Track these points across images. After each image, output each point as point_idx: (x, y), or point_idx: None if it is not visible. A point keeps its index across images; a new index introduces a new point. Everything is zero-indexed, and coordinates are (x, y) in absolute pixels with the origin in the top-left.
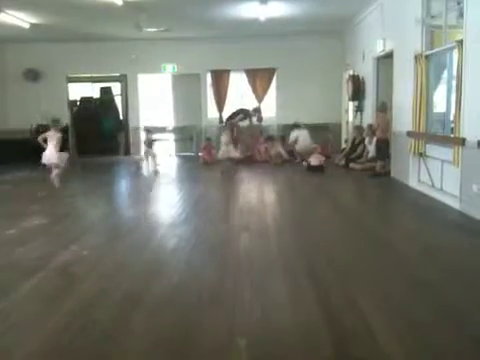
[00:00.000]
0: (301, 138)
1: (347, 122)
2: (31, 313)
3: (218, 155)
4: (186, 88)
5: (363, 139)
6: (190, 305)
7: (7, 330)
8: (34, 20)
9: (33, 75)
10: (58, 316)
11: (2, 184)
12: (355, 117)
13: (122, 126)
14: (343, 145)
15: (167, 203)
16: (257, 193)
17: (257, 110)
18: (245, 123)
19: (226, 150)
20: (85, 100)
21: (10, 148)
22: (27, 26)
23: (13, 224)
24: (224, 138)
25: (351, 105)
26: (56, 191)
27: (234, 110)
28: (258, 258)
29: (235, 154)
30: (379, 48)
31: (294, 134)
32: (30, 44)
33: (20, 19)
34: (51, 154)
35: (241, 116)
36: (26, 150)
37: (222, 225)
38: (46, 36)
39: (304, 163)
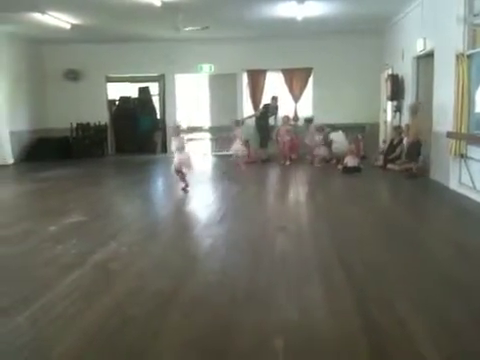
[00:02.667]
0: (336, 139)
1: (385, 122)
2: (70, 308)
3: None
4: (222, 88)
5: (402, 139)
6: (225, 304)
7: (48, 324)
8: (75, 21)
9: (73, 75)
10: (96, 311)
11: (42, 182)
12: (394, 117)
13: (159, 125)
14: (381, 145)
15: (202, 202)
16: (292, 193)
17: (275, 98)
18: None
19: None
20: (124, 100)
21: (50, 146)
22: (68, 27)
23: (54, 221)
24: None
25: (390, 105)
26: (93, 188)
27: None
28: (293, 257)
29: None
30: (419, 47)
31: (329, 136)
32: (71, 45)
33: (62, 20)
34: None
35: (263, 110)
36: (65, 148)
37: (257, 224)
38: (86, 37)
39: (339, 166)
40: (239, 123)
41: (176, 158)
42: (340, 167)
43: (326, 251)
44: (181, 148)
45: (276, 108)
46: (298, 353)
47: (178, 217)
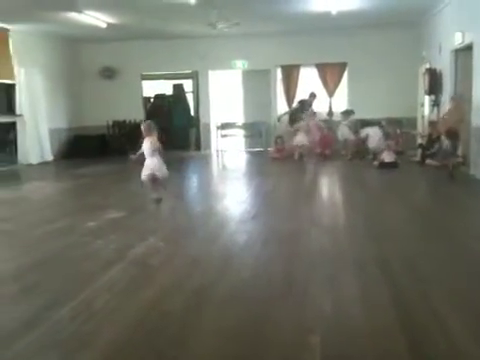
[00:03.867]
0: (372, 135)
1: (423, 117)
2: (110, 302)
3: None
4: (256, 84)
5: (440, 134)
6: (261, 300)
7: (89, 318)
8: (111, 20)
9: (109, 73)
10: (135, 306)
11: (80, 178)
12: (432, 111)
13: (193, 122)
14: (419, 140)
15: (237, 198)
16: (327, 189)
17: (313, 95)
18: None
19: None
20: (158, 97)
21: (88, 144)
22: (104, 26)
23: (93, 216)
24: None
25: (427, 99)
26: (129, 185)
27: (295, 105)
28: (329, 254)
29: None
30: (457, 40)
31: (364, 131)
32: (106, 43)
33: (98, 19)
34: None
35: (299, 106)
36: (102, 145)
37: (292, 221)
38: (122, 35)
39: (375, 162)
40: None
41: (146, 163)
42: (376, 163)
43: (362, 246)
44: (153, 151)
45: (310, 105)
46: (334, 348)
47: (213, 213)
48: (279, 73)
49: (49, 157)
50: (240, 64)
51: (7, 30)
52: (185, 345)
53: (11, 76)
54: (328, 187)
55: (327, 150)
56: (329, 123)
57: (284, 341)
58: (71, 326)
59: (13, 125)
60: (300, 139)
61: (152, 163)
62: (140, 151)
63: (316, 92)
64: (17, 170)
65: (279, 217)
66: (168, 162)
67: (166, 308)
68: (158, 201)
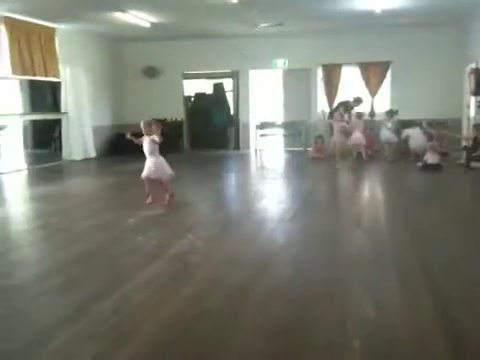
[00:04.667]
0: (413, 136)
1: (469, 118)
2: (150, 298)
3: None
4: (296, 83)
5: None
6: (300, 300)
7: (129, 313)
8: (154, 19)
9: (151, 72)
10: (174, 303)
11: (122, 175)
12: (478, 113)
13: (232, 121)
14: (464, 143)
15: (275, 198)
16: (368, 191)
17: (358, 100)
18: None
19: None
20: (199, 96)
21: (129, 141)
22: (148, 25)
23: (132, 213)
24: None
25: (473, 100)
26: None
27: (336, 104)
28: (370, 256)
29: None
30: None
31: (405, 132)
32: (149, 42)
33: (142, 19)
34: None
35: (341, 109)
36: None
37: (332, 222)
38: (164, 34)
39: (418, 163)
40: (360, 115)
41: (147, 165)
42: (419, 164)
43: (404, 250)
44: (152, 151)
45: (352, 108)
46: (375, 352)
47: (252, 212)
48: (320, 72)
49: (92, 154)
50: (281, 63)
51: (53, 29)
52: (224, 343)
53: (57, 74)
54: (369, 188)
55: (369, 151)
56: (371, 123)
57: (324, 343)
58: (112, 320)
59: (58, 122)
60: (356, 138)
61: (150, 163)
62: (145, 152)
63: (362, 98)
64: (62, 166)
65: (318, 218)
66: (208, 160)
67: (205, 305)
68: (169, 201)
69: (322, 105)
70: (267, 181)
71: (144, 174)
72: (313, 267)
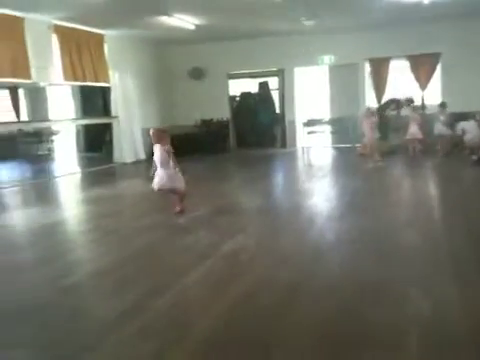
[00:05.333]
0: (468, 129)
1: None
2: (203, 295)
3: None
4: (343, 79)
5: None
6: (352, 298)
7: (184, 310)
8: (199, 21)
9: (197, 73)
10: (227, 300)
11: None
12: None
13: (278, 120)
14: None
15: (324, 196)
16: (420, 186)
17: (410, 100)
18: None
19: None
20: (244, 95)
21: (177, 142)
22: (192, 27)
23: (182, 213)
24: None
25: None
26: (217, 182)
27: (385, 100)
28: (424, 253)
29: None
30: None
31: (460, 125)
32: (194, 44)
33: (187, 22)
34: None
35: (393, 106)
36: (191, 144)
37: (382, 219)
38: (208, 36)
39: (473, 157)
40: (417, 108)
41: (158, 176)
42: (475, 158)
43: (460, 247)
44: (165, 162)
45: (401, 107)
46: (430, 351)
47: (300, 211)
48: (367, 67)
49: (142, 156)
50: (327, 59)
51: (102, 36)
52: (277, 339)
53: (107, 79)
54: (422, 184)
55: (420, 146)
56: (422, 117)
57: (379, 340)
58: (167, 317)
59: (109, 126)
60: (413, 132)
61: (162, 175)
62: (156, 161)
63: (414, 98)
64: (113, 169)
65: (368, 215)
66: (255, 160)
67: (258, 303)
68: (179, 214)
69: (370, 100)
70: (315, 179)
71: (156, 186)
72: (365, 265)
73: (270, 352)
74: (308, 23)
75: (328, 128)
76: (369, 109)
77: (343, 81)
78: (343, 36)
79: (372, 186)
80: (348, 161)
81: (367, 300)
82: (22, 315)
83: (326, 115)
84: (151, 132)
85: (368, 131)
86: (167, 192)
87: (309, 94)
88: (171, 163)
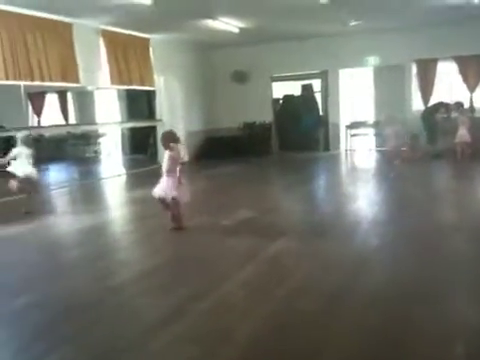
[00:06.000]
0: None
1: None
2: (246, 299)
3: None
4: (389, 80)
5: None
6: (398, 304)
7: (226, 313)
8: (243, 25)
9: (240, 76)
10: (270, 304)
11: (214, 178)
12: None
13: (322, 122)
14: None
15: (369, 200)
16: (469, 191)
17: (459, 104)
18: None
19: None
20: (287, 98)
21: (220, 145)
22: (237, 31)
23: (226, 216)
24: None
25: None
26: (260, 185)
27: (433, 103)
28: (473, 259)
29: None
30: None
31: None
32: (237, 47)
33: (231, 25)
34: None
35: (442, 110)
36: (234, 147)
37: (428, 224)
38: (252, 39)
39: None
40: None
41: (161, 184)
42: None
43: None
44: (171, 170)
45: (451, 111)
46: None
47: (344, 215)
48: (414, 68)
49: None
50: (372, 61)
51: (148, 40)
52: (320, 345)
53: (152, 83)
54: (468, 188)
55: (469, 149)
56: (471, 120)
57: (427, 351)
58: (210, 321)
59: (153, 129)
60: (461, 135)
61: (165, 184)
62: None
63: (463, 103)
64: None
65: (415, 220)
66: (297, 163)
67: (301, 307)
68: (174, 229)
69: (417, 103)
70: (359, 183)
71: (157, 194)
72: (410, 270)
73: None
74: (353, 24)
75: (372, 131)
76: (390, 116)
77: (389, 83)
78: (389, 37)
79: (418, 190)
80: (393, 165)
81: (412, 305)
82: (68, 313)
83: (371, 118)
84: (162, 134)
85: (391, 138)
86: (163, 201)
87: (353, 96)
88: (174, 173)
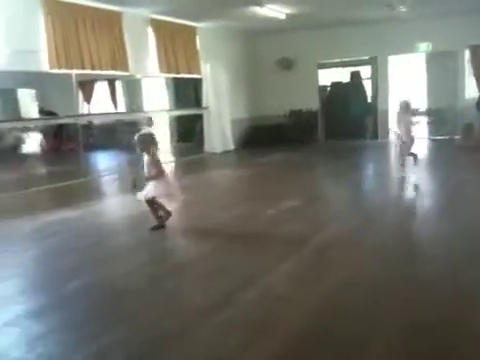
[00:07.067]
0: None
1: None
2: (292, 289)
3: None
4: (441, 67)
5: None
6: (452, 304)
7: (272, 303)
8: (290, 11)
9: (286, 63)
10: (315, 296)
11: (259, 166)
12: None
13: (370, 110)
14: None
15: (420, 190)
16: None
17: None
18: None
19: None
20: (335, 85)
21: (265, 133)
22: (283, 17)
23: (272, 204)
24: None
25: None
26: (306, 174)
27: None
28: None
29: None
30: None
31: None
32: (283, 34)
33: (278, 11)
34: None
35: None
36: (279, 135)
37: None
38: (299, 25)
39: None
40: None
41: (151, 185)
42: None
43: None
44: (153, 173)
45: None
46: None
47: (393, 206)
48: (467, 54)
49: (231, 146)
50: (424, 46)
51: (195, 28)
52: (366, 340)
53: (199, 71)
54: None
55: None
56: None
57: (477, 349)
58: (256, 310)
59: (200, 117)
60: None
61: (151, 185)
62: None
63: None
64: (204, 159)
65: (469, 212)
66: (344, 151)
67: (346, 300)
68: (157, 228)
69: (471, 90)
70: (409, 172)
71: (147, 195)
72: (465, 265)
73: (356, 354)
74: (404, 9)
75: (424, 119)
76: (405, 102)
77: (441, 69)
78: (441, 22)
79: (472, 180)
80: (446, 154)
81: (465, 303)
82: (119, 297)
83: (422, 105)
84: (135, 138)
85: (405, 128)
86: (156, 199)
87: (404, 83)
88: (160, 172)
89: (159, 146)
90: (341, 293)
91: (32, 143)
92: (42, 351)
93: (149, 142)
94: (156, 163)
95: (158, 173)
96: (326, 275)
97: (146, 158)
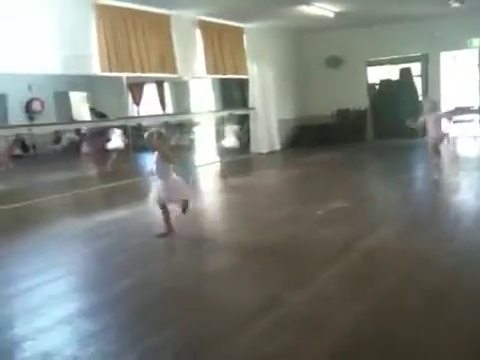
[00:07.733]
0: None
1: None
2: (341, 292)
3: None
4: None
5: None
6: None
7: (321, 305)
8: (338, 9)
9: (334, 62)
10: (365, 298)
11: (306, 167)
12: None
13: (421, 108)
14: None
15: (473, 192)
16: None
17: None
18: None
19: None
20: (384, 83)
21: (312, 133)
22: (332, 15)
23: (319, 205)
24: None
25: None
26: (353, 174)
27: None
28: None
29: None
30: None
31: None
32: (331, 32)
33: (326, 9)
34: None
35: None
36: (326, 134)
37: None
38: (347, 23)
39: None
40: None
41: (160, 187)
42: None
43: None
44: (165, 174)
45: None
46: None
47: (446, 207)
48: None
49: (277, 146)
50: (477, 42)
51: (242, 29)
52: (418, 346)
53: (245, 72)
54: None
55: None
56: None
57: None
58: (307, 309)
59: (246, 117)
60: None
61: (162, 186)
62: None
63: None
64: (250, 159)
65: None
66: (394, 150)
67: (399, 303)
68: (162, 236)
69: None
70: (462, 172)
71: (154, 200)
72: None
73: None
74: (456, 5)
75: (478, 117)
76: (432, 101)
77: None
78: None
79: None
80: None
81: None
82: (167, 297)
83: (476, 103)
84: (145, 136)
85: (431, 128)
86: (168, 204)
87: (456, 80)
88: (171, 171)
89: (171, 143)
90: (392, 297)
91: (85, 144)
92: (94, 349)
93: (156, 141)
94: (167, 160)
95: (166, 172)
96: (376, 279)
97: (156, 157)
